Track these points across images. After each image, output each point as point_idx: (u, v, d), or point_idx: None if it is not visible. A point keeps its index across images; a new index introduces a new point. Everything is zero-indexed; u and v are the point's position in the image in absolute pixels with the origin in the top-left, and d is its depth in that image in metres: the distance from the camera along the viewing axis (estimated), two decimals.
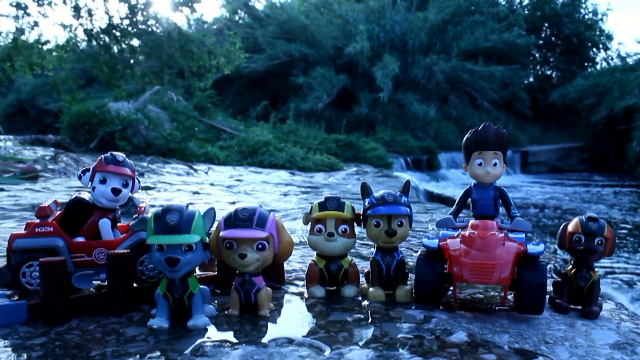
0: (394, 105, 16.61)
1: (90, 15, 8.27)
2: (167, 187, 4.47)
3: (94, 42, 8.50)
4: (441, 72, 17.14)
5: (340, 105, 16.77)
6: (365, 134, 14.65)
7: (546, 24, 21.01)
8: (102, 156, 1.22)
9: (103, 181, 1.18)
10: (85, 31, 8.28)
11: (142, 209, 1.25)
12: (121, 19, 8.32)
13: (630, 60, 19.05)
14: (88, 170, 1.21)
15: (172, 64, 8.48)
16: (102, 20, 8.34)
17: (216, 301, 1.16)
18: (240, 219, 1.03)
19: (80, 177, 1.21)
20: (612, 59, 21.19)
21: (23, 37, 8.20)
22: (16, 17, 7.92)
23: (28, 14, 7.98)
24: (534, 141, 18.27)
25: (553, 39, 21.56)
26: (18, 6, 7.87)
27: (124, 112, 8.68)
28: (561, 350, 0.93)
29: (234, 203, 3.26)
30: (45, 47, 8.40)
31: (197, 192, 4.23)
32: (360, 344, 0.93)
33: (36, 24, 8.16)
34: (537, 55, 21.83)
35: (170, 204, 1.02)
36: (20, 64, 8.02)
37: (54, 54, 8.44)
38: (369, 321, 1.06)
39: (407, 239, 1.45)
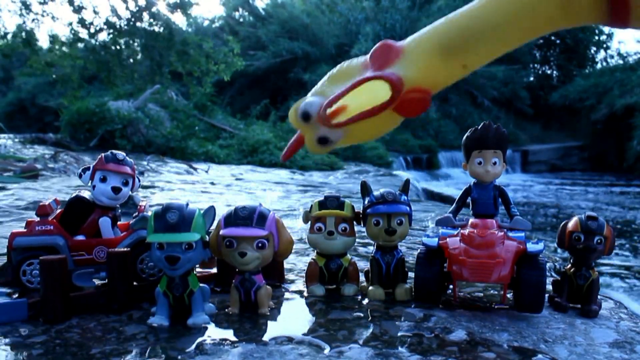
0: None
1: (95, 12, 8.26)
2: (167, 186, 4.47)
3: (94, 41, 8.48)
4: None
5: None
6: None
7: None
8: (102, 154, 1.22)
9: (103, 179, 1.18)
10: (86, 27, 8.27)
11: (142, 207, 1.26)
12: (120, 18, 8.31)
13: (630, 60, 19.04)
14: (88, 168, 1.21)
15: (165, 64, 8.45)
16: (101, 18, 8.33)
17: (216, 299, 1.16)
18: (240, 217, 1.03)
19: (80, 176, 1.21)
20: (612, 57, 21.19)
21: (23, 36, 8.20)
22: (21, 15, 7.91)
23: (32, 11, 7.96)
24: (534, 140, 18.25)
25: (553, 38, 21.55)
26: (23, 4, 7.86)
27: (124, 110, 8.68)
28: (560, 349, 0.93)
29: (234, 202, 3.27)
30: (47, 45, 8.39)
31: (197, 191, 4.24)
32: (360, 342, 0.93)
33: (38, 21, 8.15)
34: (537, 54, 21.82)
35: (170, 203, 1.02)
36: (35, 63, 8.03)
37: (57, 52, 8.43)
38: (369, 319, 1.06)
39: (407, 237, 1.45)
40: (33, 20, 8.08)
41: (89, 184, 1.20)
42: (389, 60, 0.63)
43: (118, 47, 8.55)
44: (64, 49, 8.42)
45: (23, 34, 8.15)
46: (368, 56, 0.65)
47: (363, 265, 1.38)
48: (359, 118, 0.64)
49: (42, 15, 8.16)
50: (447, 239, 1.13)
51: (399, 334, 0.98)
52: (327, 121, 0.65)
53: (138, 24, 8.28)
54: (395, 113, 0.65)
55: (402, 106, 0.64)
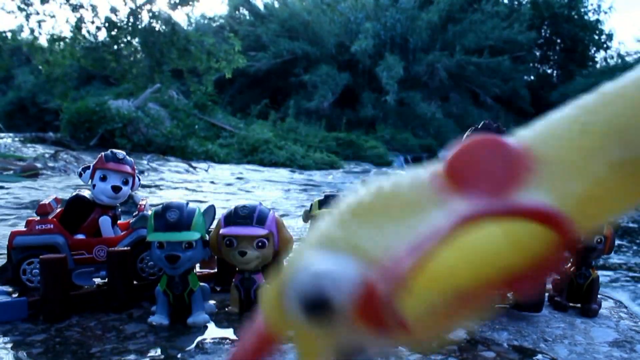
0: (394, 104, 16.63)
1: (94, 12, 8.25)
2: (167, 185, 4.47)
3: (94, 39, 8.48)
4: (445, 68, 17.12)
5: (340, 104, 16.77)
6: (365, 132, 14.65)
7: (546, 23, 21.00)
8: (103, 154, 1.22)
9: (103, 179, 1.18)
10: (81, 26, 8.26)
11: (142, 206, 1.26)
12: (122, 19, 8.30)
13: (630, 59, 19.05)
14: (88, 167, 1.21)
15: (165, 62, 8.42)
16: (99, 18, 8.31)
17: (216, 298, 1.16)
18: (240, 216, 1.03)
19: (80, 175, 1.21)
20: (612, 57, 21.20)
21: (25, 35, 8.22)
22: (21, 10, 7.90)
23: (28, 15, 7.96)
24: None
25: (553, 37, 21.55)
26: (24, 3, 7.86)
27: (124, 110, 8.67)
28: (560, 348, 0.93)
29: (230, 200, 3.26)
30: (51, 44, 8.38)
31: (197, 190, 4.24)
32: None
33: (41, 21, 8.16)
34: (537, 53, 21.83)
35: (171, 202, 1.02)
36: (39, 62, 8.06)
37: (57, 47, 8.42)
38: None
39: None
40: (38, 21, 8.09)
41: (89, 183, 1.20)
42: (513, 175, 0.28)
43: (117, 47, 8.54)
44: (62, 45, 8.40)
45: (23, 34, 8.18)
46: (448, 163, 0.29)
47: None
48: (462, 304, 0.27)
49: (44, 15, 8.16)
50: None
51: None
52: (393, 316, 0.25)
53: (138, 22, 8.28)
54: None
55: (528, 277, 0.28)
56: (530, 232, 0.26)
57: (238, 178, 5.87)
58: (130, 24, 8.26)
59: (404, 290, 0.24)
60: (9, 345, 0.90)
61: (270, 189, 4.78)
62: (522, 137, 0.30)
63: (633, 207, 0.31)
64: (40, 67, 8.25)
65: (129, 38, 8.53)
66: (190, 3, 8.28)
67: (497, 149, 0.28)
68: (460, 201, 0.27)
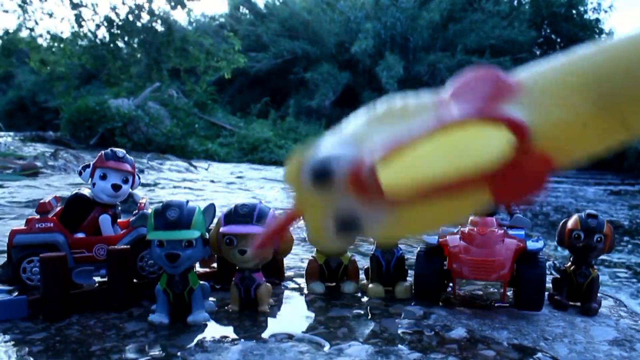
0: None
1: (94, 11, 8.24)
2: (167, 184, 4.47)
3: (92, 36, 8.47)
4: (447, 69, 17.11)
5: (340, 103, 16.77)
6: None
7: (545, 22, 21.00)
8: (103, 152, 1.22)
9: (103, 177, 1.18)
10: (80, 24, 8.25)
11: (142, 205, 1.26)
12: (121, 17, 8.29)
13: None
14: (88, 166, 1.21)
15: (163, 61, 8.39)
16: (98, 15, 8.30)
17: (216, 297, 1.16)
18: (240, 214, 1.03)
19: (80, 173, 1.21)
20: None
21: (23, 34, 8.20)
22: (23, 10, 7.88)
23: (26, 12, 7.95)
24: None
25: (553, 36, 21.55)
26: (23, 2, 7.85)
27: (124, 109, 8.69)
28: (560, 347, 0.93)
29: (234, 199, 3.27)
30: (49, 43, 8.37)
31: (197, 189, 4.24)
32: (360, 339, 0.93)
33: (39, 20, 8.16)
34: (537, 52, 21.84)
35: (170, 200, 1.02)
36: (34, 60, 8.05)
37: (56, 46, 8.41)
38: (369, 317, 1.06)
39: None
40: (34, 20, 8.08)
41: (89, 181, 1.20)
42: (498, 95, 0.35)
43: (116, 45, 8.52)
44: (61, 45, 8.38)
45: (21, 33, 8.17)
46: (450, 87, 0.37)
47: (363, 263, 1.38)
48: (439, 191, 0.34)
49: (43, 13, 8.16)
50: (447, 237, 1.13)
51: (399, 332, 0.98)
52: (373, 186, 0.34)
53: (137, 22, 8.27)
54: (486, 191, 0.35)
55: (506, 182, 0.34)
56: (499, 137, 0.34)
57: (238, 177, 5.87)
58: (129, 22, 8.25)
59: (382, 163, 0.33)
60: (9, 344, 0.90)
61: (270, 187, 4.78)
62: (518, 73, 0.38)
63: (605, 147, 0.38)
64: (33, 65, 8.22)
65: (126, 38, 8.51)
66: (187, 5, 8.25)
67: (490, 76, 0.37)
68: (449, 108, 0.36)
